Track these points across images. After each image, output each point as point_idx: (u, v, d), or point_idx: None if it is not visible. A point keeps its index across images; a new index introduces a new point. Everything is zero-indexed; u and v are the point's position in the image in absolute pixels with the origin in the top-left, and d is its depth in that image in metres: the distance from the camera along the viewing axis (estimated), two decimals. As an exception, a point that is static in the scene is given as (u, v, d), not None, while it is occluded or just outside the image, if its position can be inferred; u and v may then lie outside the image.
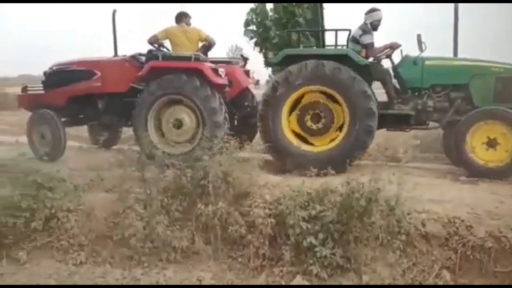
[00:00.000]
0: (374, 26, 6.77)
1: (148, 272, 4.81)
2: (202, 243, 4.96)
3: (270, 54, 6.83)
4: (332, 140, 6.41)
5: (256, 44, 11.93)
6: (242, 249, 4.90)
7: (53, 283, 4.73)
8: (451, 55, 6.78)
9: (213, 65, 6.76)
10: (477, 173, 6.00)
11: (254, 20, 11.82)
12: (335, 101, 6.30)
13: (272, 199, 4.99)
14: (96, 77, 7.27)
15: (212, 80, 6.53)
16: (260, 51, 11.82)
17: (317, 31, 7.36)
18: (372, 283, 4.36)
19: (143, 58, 7.20)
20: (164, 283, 4.66)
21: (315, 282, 4.43)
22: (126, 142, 8.18)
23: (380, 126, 6.47)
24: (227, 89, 7.07)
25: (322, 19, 7.32)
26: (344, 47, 6.57)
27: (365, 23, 6.75)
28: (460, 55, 6.73)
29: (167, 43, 7.20)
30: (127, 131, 8.94)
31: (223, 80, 6.82)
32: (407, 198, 4.70)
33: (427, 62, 6.54)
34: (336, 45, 6.61)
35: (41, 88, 7.80)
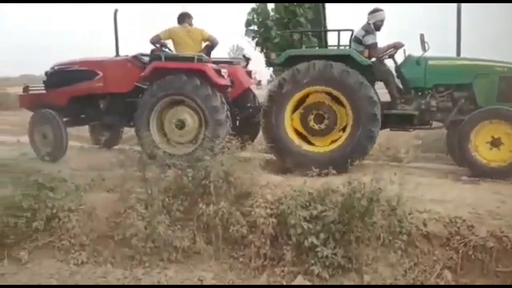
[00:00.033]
0: (377, 27, 6.75)
1: (149, 272, 4.81)
2: (203, 243, 4.96)
3: (273, 55, 6.84)
4: (333, 141, 6.40)
5: (257, 44, 11.95)
6: (244, 249, 4.89)
7: (54, 283, 4.73)
8: (452, 55, 6.73)
9: (216, 66, 6.76)
10: (479, 172, 5.99)
11: (256, 20, 11.84)
12: (340, 103, 6.29)
13: (274, 199, 4.99)
14: (98, 77, 7.27)
15: (215, 81, 6.52)
16: (261, 51, 11.85)
17: (320, 31, 7.36)
18: (373, 283, 4.36)
19: (145, 58, 7.20)
20: (165, 283, 4.66)
21: (317, 282, 4.42)
22: (127, 142, 8.20)
23: (383, 126, 6.45)
24: (229, 89, 7.07)
25: (325, 19, 7.33)
26: (347, 47, 6.56)
27: (368, 23, 6.73)
28: (462, 55, 6.69)
29: (169, 43, 7.20)
30: (128, 131, 8.95)
31: (226, 81, 6.81)
32: (408, 198, 4.68)
33: (430, 62, 6.52)
34: (338, 45, 6.60)
35: (43, 88, 7.80)
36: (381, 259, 4.47)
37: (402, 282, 4.35)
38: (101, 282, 4.73)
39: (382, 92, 6.66)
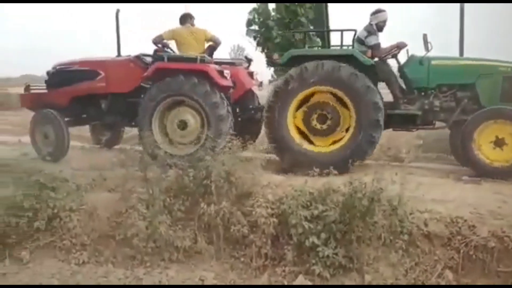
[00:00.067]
0: (380, 27, 6.75)
1: (151, 272, 4.81)
2: (205, 242, 4.96)
3: (276, 55, 6.82)
4: (334, 142, 6.40)
5: (258, 44, 11.96)
6: (245, 249, 4.90)
7: (55, 282, 4.74)
8: (455, 55, 6.73)
9: (218, 67, 6.76)
10: (482, 172, 5.98)
11: (257, 20, 11.84)
12: (344, 105, 6.29)
13: (275, 199, 4.99)
14: (100, 77, 7.26)
15: (217, 82, 6.53)
16: (262, 50, 11.86)
17: (323, 31, 7.36)
18: (374, 283, 4.36)
19: (148, 59, 7.20)
20: (166, 283, 4.66)
21: (318, 282, 4.43)
22: (128, 142, 8.21)
23: (386, 126, 6.45)
24: (230, 90, 7.07)
25: (327, 19, 7.32)
26: (350, 47, 6.56)
27: (370, 24, 6.73)
28: (465, 55, 6.68)
29: (172, 44, 7.20)
30: (129, 131, 8.96)
31: (228, 82, 6.81)
32: (409, 197, 4.68)
33: (433, 62, 6.52)
34: (341, 45, 6.60)
35: (44, 87, 7.80)
36: (382, 259, 4.47)
37: (403, 282, 4.35)
38: (102, 282, 4.74)
39: (385, 92, 6.65)
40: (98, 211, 5.35)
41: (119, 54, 7.64)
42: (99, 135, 8.45)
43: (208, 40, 7.19)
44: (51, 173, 5.52)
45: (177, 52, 7.10)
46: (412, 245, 4.52)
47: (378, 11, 6.75)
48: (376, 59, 6.63)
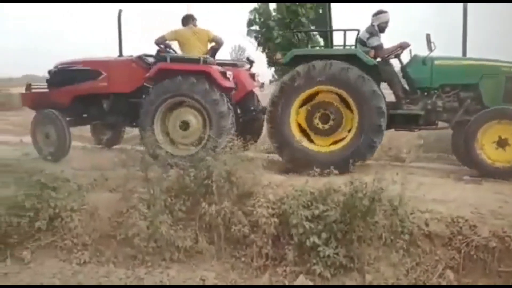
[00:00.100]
0: (381, 28, 6.74)
1: (152, 272, 4.82)
2: (206, 242, 4.97)
3: (279, 55, 6.80)
4: (334, 142, 6.41)
5: (259, 44, 11.96)
6: (246, 249, 4.90)
7: (57, 282, 4.75)
8: (458, 55, 6.71)
9: (221, 68, 6.76)
10: (484, 171, 5.98)
11: (257, 20, 11.84)
12: (348, 106, 6.29)
13: (276, 199, 5.00)
14: (102, 77, 7.26)
15: (220, 83, 6.52)
16: (263, 51, 11.85)
17: (326, 31, 7.37)
18: (375, 282, 4.36)
19: (150, 59, 7.21)
20: (167, 283, 4.67)
21: (318, 281, 4.43)
22: (129, 142, 8.21)
23: (389, 127, 6.44)
24: (233, 91, 7.07)
25: (330, 19, 7.33)
26: (352, 47, 6.56)
27: (372, 25, 6.72)
28: (468, 55, 6.67)
29: (174, 44, 7.20)
30: (130, 131, 8.96)
31: (231, 83, 6.81)
32: (410, 197, 4.68)
33: (436, 62, 6.50)
34: (344, 45, 6.60)
35: (45, 87, 7.80)
36: (383, 258, 4.47)
37: (404, 282, 4.35)
38: (103, 281, 4.75)
39: (388, 92, 6.65)
40: (99, 211, 5.36)
41: (121, 54, 7.64)
42: (100, 135, 8.46)
43: (210, 41, 7.19)
44: (53, 173, 5.52)
45: (179, 53, 7.10)
46: (413, 245, 4.52)
47: (379, 12, 6.74)
48: (378, 59, 6.63)
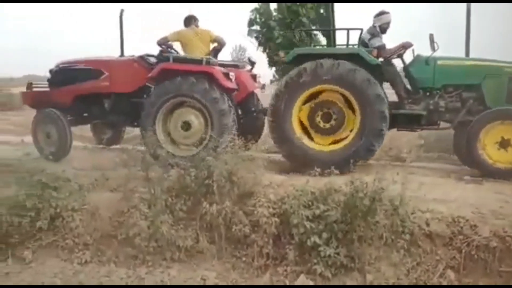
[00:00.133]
0: (383, 29, 6.74)
1: (153, 271, 4.82)
2: (206, 242, 4.97)
3: (281, 53, 6.82)
4: (334, 142, 6.41)
5: (259, 44, 11.95)
6: (246, 248, 4.90)
7: (58, 282, 4.75)
8: (456, 55, 6.72)
9: (224, 69, 6.76)
10: (485, 172, 5.99)
11: (258, 20, 11.84)
12: (351, 107, 6.30)
13: (276, 199, 5.00)
14: (104, 77, 7.25)
15: (222, 84, 6.52)
16: (264, 50, 11.85)
17: (329, 30, 7.38)
18: (376, 282, 4.36)
19: (152, 59, 7.21)
20: (168, 282, 4.67)
21: (319, 281, 4.44)
22: (130, 142, 8.22)
23: (391, 126, 6.45)
24: (234, 92, 7.07)
25: (333, 18, 7.34)
26: (355, 46, 6.56)
27: (373, 26, 6.72)
28: (471, 55, 6.67)
29: (177, 45, 7.21)
30: (131, 131, 8.97)
31: (233, 84, 6.81)
32: (411, 197, 4.69)
33: (439, 62, 6.50)
34: (347, 44, 6.60)
35: (46, 86, 7.80)
36: (384, 258, 4.48)
37: (404, 281, 4.36)
38: (104, 281, 4.75)
39: (390, 92, 6.64)
40: (100, 210, 5.36)
41: (122, 54, 7.65)
42: (100, 134, 8.47)
43: (213, 41, 7.20)
44: (54, 173, 5.53)
45: (182, 54, 7.10)
46: (414, 245, 4.52)
47: (381, 13, 6.75)
48: (381, 59, 6.62)
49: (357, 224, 4.42)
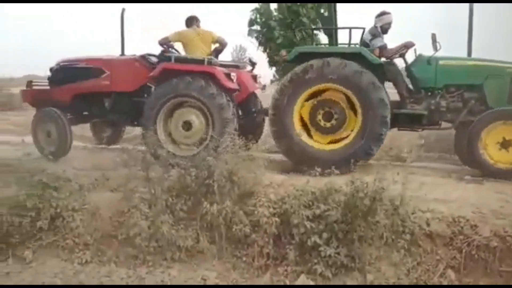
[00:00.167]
0: (384, 30, 6.74)
1: (153, 271, 4.83)
2: (207, 242, 4.97)
3: (283, 51, 6.81)
4: (332, 141, 6.41)
5: (260, 44, 11.95)
6: (247, 248, 4.91)
7: (58, 282, 4.76)
8: (457, 55, 6.71)
9: (225, 69, 6.76)
10: (485, 172, 5.98)
11: (258, 20, 11.83)
12: (353, 108, 6.30)
13: (277, 198, 5.00)
14: (105, 76, 7.23)
15: (224, 84, 6.52)
16: (264, 51, 11.84)
17: (331, 28, 7.38)
18: (376, 282, 4.36)
19: (153, 59, 7.21)
20: (168, 282, 4.68)
21: (320, 281, 4.44)
22: (131, 142, 8.22)
23: (392, 126, 6.44)
24: (236, 93, 7.06)
25: (336, 18, 7.34)
26: (357, 46, 6.56)
27: (375, 27, 6.72)
28: (473, 55, 6.65)
29: (178, 45, 7.20)
30: (131, 131, 8.97)
31: (235, 85, 6.80)
32: (411, 197, 4.69)
33: (441, 62, 6.49)
34: (349, 43, 6.60)
35: (46, 84, 7.80)
36: (384, 258, 4.48)
37: (405, 281, 4.36)
38: (105, 281, 4.76)
39: (392, 92, 6.64)
40: (101, 210, 5.36)
41: (123, 53, 7.64)
42: (100, 132, 8.46)
43: (214, 42, 7.20)
44: (54, 173, 5.52)
45: (183, 54, 7.10)
46: (414, 245, 4.53)
47: (383, 14, 6.74)
48: (383, 59, 6.62)
49: (357, 224, 4.42)
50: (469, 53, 6.66)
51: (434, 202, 4.89)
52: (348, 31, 6.57)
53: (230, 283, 4.67)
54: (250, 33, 12.04)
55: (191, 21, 7.16)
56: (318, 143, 6.42)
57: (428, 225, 4.59)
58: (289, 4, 11.37)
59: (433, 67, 6.50)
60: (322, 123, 6.39)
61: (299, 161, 6.22)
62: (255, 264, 4.79)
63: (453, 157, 7.59)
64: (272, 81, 12.34)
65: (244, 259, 4.88)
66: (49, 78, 7.72)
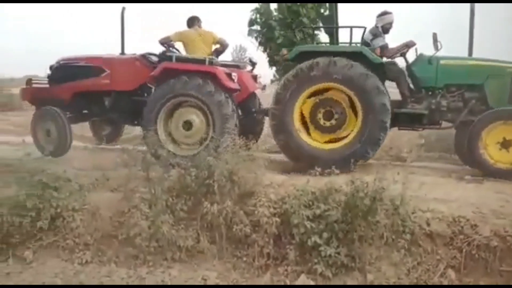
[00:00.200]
0: (385, 29, 6.74)
1: (153, 271, 4.83)
2: (207, 242, 4.97)
3: (284, 50, 6.82)
4: (330, 141, 6.41)
5: (260, 44, 11.94)
6: (247, 248, 4.91)
7: (59, 282, 4.76)
8: (458, 55, 6.69)
9: (226, 69, 6.76)
10: (486, 171, 5.98)
11: (258, 20, 11.83)
12: (354, 109, 6.29)
13: (277, 198, 5.00)
14: (105, 74, 7.23)
15: (225, 84, 6.52)
16: (264, 51, 11.84)
17: (332, 27, 7.38)
18: (376, 282, 4.36)
19: (153, 58, 7.21)
20: (169, 282, 4.68)
21: (320, 281, 4.44)
22: (131, 142, 8.22)
23: (392, 125, 6.44)
24: (236, 92, 7.07)
25: (337, 17, 7.35)
26: (358, 45, 6.56)
27: (376, 26, 6.72)
28: (474, 55, 6.64)
29: (178, 45, 7.21)
30: (131, 131, 8.97)
31: (236, 85, 6.81)
32: (411, 197, 4.69)
33: (442, 62, 6.48)
34: (351, 42, 6.61)
35: (46, 83, 7.79)
36: (384, 258, 4.48)
37: (405, 281, 4.36)
38: (105, 281, 4.76)
39: (393, 92, 6.64)
40: (101, 210, 5.36)
41: (123, 52, 7.64)
42: (99, 130, 8.46)
43: (215, 43, 7.20)
44: (54, 173, 5.53)
45: (184, 54, 7.10)
46: (415, 245, 4.53)
47: (384, 13, 6.74)
48: (385, 59, 6.61)
49: (357, 224, 4.42)
50: (470, 53, 6.64)
51: (434, 202, 4.89)
52: (349, 31, 6.56)
53: (230, 283, 4.68)
54: (250, 33, 12.03)
55: (193, 21, 7.16)
56: (315, 141, 6.42)
57: (428, 225, 4.59)
58: (289, 4, 11.37)
59: (434, 66, 6.49)
60: (322, 121, 6.39)
61: (295, 157, 6.24)
62: (255, 264, 4.79)
63: (453, 156, 7.59)
64: (272, 81, 12.34)
65: (244, 259, 4.88)
66: (49, 76, 7.71)
